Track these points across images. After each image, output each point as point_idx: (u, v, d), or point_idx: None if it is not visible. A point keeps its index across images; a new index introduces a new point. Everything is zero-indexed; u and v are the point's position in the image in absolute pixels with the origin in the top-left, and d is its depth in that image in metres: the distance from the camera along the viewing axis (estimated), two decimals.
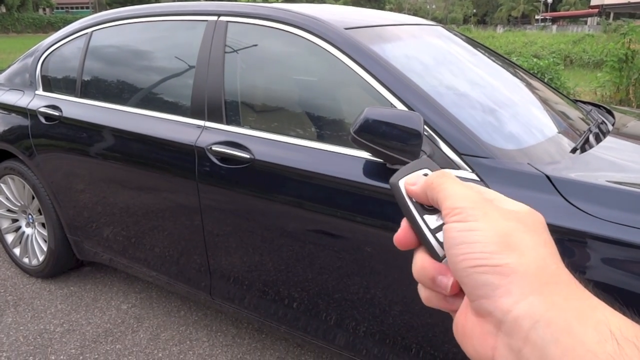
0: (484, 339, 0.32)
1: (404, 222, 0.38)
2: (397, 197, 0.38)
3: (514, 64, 2.59)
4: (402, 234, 0.38)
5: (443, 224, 0.36)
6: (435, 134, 1.51)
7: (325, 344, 1.88)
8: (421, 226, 0.37)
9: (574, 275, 0.33)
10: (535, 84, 2.39)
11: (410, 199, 0.38)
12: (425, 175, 0.38)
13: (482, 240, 0.33)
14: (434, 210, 0.37)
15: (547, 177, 1.38)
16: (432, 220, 0.37)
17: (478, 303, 0.32)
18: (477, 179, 1.43)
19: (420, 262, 0.37)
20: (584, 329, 0.28)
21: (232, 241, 1.98)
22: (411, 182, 0.38)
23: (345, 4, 64.70)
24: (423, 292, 0.38)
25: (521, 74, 2.44)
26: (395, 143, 1.42)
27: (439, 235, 0.36)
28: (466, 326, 0.34)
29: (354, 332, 1.78)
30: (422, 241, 0.37)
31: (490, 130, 1.64)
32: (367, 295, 1.69)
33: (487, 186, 1.40)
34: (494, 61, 2.37)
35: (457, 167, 1.47)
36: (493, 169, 1.43)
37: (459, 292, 0.36)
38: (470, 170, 1.45)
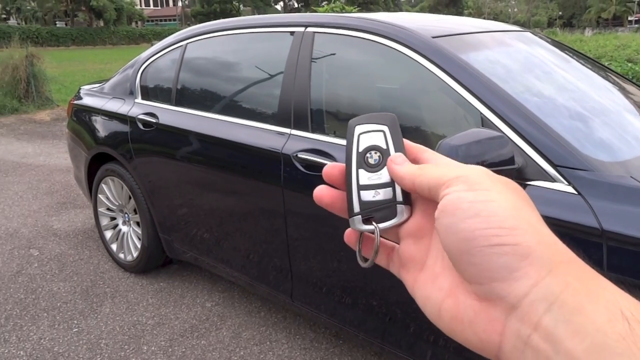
0: (489, 325, 0.30)
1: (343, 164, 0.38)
2: (347, 140, 0.39)
3: (608, 69, 2.44)
4: (333, 170, 0.38)
5: (380, 185, 0.36)
6: (528, 144, 1.46)
7: (403, 353, 1.87)
8: (352, 177, 0.37)
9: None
10: (632, 90, 2.24)
11: (357, 149, 0.38)
12: (382, 131, 0.38)
13: (500, 213, 0.29)
14: (374, 167, 0.37)
15: None
16: (365, 177, 0.37)
17: (488, 287, 0.29)
18: (575, 192, 1.37)
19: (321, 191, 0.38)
20: (595, 308, 0.26)
21: (314, 246, 2.02)
22: (397, 161, 0.36)
23: (422, 9, 63.78)
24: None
25: (616, 79, 2.30)
26: (487, 157, 1.39)
27: (364, 193, 0.36)
28: (461, 311, 0.31)
29: (434, 343, 1.76)
30: (347, 190, 0.37)
31: (586, 140, 1.56)
32: None
33: (586, 201, 1.34)
34: (587, 67, 2.25)
35: (552, 179, 1.41)
36: (593, 182, 1.36)
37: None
38: (567, 183, 1.39)
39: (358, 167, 0.37)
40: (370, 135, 0.38)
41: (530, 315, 0.28)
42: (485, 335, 0.30)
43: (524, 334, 0.28)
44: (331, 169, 0.38)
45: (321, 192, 0.39)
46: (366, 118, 0.39)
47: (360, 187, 0.36)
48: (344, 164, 0.38)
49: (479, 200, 0.30)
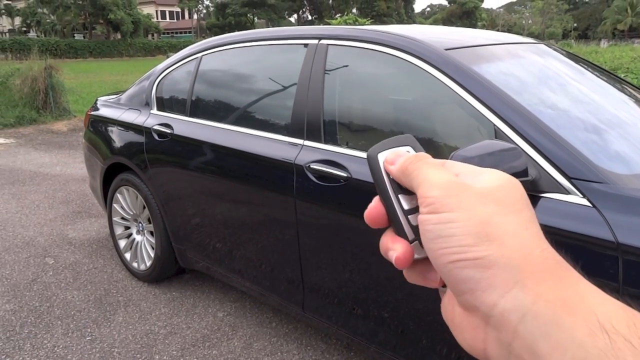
0: (473, 332, 0.31)
1: (376, 199, 0.36)
2: (374, 171, 0.37)
3: (624, 81, 2.42)
4: (374, 211, 0.36)
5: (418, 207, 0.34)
6: (542, 157, 1.45)
7: None
8: (394, 206, 0.35)
9: (560, 254, 0.31)
10: None
11: (388, 175, 0.36)
12: (408, 152, 0.37)
13: (458, 232, 0.31)
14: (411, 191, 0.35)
15: None
16: (407, 201, 0.35)
17: (462, 298, 0.31)
18: (589, 204, 1.35)
19: (384, 240, 0.36)
20: (573, 322, 0.26)
21: (326, 257, 2.02)
22: (390, 160, 0.36)
23: (435, 21, 63.88)
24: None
25: (632, 91, 2.28)
26: (500, 169, 1.38)
27: (412, 217, 0.35)
28: (454, 317, 0.33)
29: (446, 357, 1.74)
30: (392, 221, 0.35)
31: (601, 153, 1.55)
32: None
33: (600, 214, 1.32)
34: (603, 79, 2.24)
35: (566, 191, 1.40)
36: (608, 195, 1.34)
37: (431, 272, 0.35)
38: (582, 196, 1.37)
39: (397, 194, 0.35)
40: None
41: (505, 324, 0.29)
42: (471, 342, 0.32)
43: (505, 341, 0.29)
44: (372, 210, 0.37)
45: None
46: (386, 144, 0.37)
47: (406, 212, 0.35)
48: (378, 200, 0.36)
49: (440, 222, 0.31)
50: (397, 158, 0.36)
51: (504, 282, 0.29)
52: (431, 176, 0.33)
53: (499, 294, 0.29)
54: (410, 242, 0.35)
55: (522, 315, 0.28)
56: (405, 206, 0.35)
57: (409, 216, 0.35)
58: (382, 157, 0.37)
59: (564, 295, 0.28)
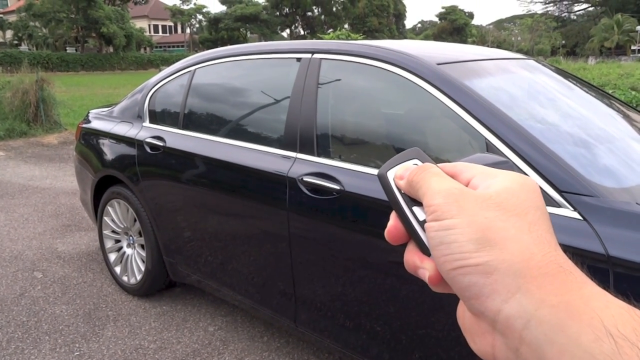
0: (482, 337, 0.31)
1: (394, 216, 0.37)
2: (386, 189, 0.37)
3: (612, 96, 2.46)
4: (393, 228, 0.36)
5: None
6: (533, 170, 1.47)
7: None
8: (410, 219, 0.35)
9: (567, 255, 0.30)
10: (637, 117, 2.26)
11: (400, 190, 0.37)
12: (416, 165, 0.37)
13: (459, 239, 0.31)
14: None
15: None
16: (422, 213, 0.35)
17: (469, 304, 0.31)
18: (580, 218, 1.37)
19: (407, 255, 0.36)
20: (578, 327, 0.26)
21: (319, 270, 2.02)
22: (399, 175, 0.37)
23: (426, 37, 64.67)
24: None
25: (620, 107, 2.32)
26: None
27: None
28: (465, 322, 0.33)
29: None
30: (411, 235, 0.36)
31: (591, 167, 1.57)
32: (453, 333, 1.64)
33: (591, 227, 1.33)
34: (591, 95, 2.27)
35: (557, 205, 1.42)
36: (598, 208, 1.36)
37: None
38: (572, 209, 1.39)
39: (410, 207, 0.36)
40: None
41: (511, 330, 0.29)
42: (481, 346, 0.32)
43: (512, 347, 0.29)
44: (391, 227, 0.37)
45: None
46: (394, 161, 0.38)
47: (422, 223, 0.35)
48: (395, 217, 0.37)
49: (442, 229, 0.32)
50: (405, 172, 0.37)
51: (507, 287, 0.29)
52: (434, 185, 0.34)
53: (502, 299, 0.29)
54: (430, 254, 0.35)
55: (526, 321, 0.28)
56: (421, 217, 0.35)
57: (424, 226, 0.35)
58: (392, 174, 0.38)
59: (567, 299, 0.28)
